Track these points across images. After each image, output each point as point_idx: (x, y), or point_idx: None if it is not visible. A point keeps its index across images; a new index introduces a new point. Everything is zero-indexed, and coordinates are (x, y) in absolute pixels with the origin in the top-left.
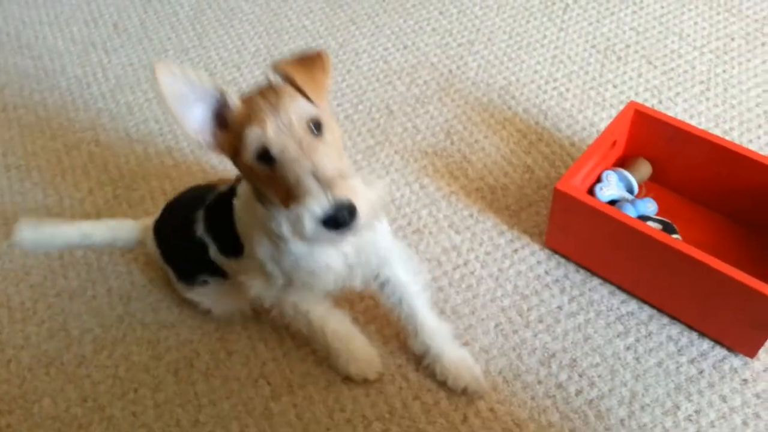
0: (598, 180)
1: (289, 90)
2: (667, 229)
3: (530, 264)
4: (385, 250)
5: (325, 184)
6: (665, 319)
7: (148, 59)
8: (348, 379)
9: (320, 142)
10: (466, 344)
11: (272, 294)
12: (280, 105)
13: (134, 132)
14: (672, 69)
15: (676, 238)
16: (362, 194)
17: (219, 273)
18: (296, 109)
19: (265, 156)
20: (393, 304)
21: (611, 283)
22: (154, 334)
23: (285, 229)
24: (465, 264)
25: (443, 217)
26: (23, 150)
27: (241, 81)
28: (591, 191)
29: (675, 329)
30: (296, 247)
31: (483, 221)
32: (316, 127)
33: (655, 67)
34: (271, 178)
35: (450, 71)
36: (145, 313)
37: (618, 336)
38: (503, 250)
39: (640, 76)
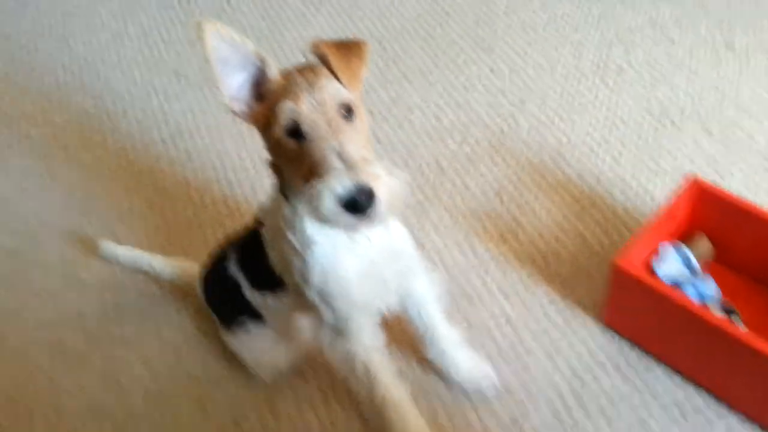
0: (656, 254)
1: (325, 71)
2: (729, 314)
3: (583, 338)
4: (413, 259)
5: (349, 165)
6: (724, 408)
7: (208, 106)
8: None
9: (350, 126)
10: (515, 421)
11: (325, 335)
12: (316, 83)
13: (192, 178)
14: (729, 138)
15: (738, 324)
16: (385, 182)
17: (258, 316)
18: (331, 90)
19: (295, 131)
20: (412, 315)
21: (669, 365)
22: (204, 390)
23: (303, 207)
24: (515, 333)
25: (492, 281)
26: (83, 191)
27: None
28: (649, 266)
29: (734, 420)
30: (320, 252)
31: (534, 289)
32: (348, 111)
33: (712, 135)
34: (297, 155)
35: (501, 130)
36: (195, 366)
37: (675, 422)
38: (555, 322)
39: (696, 144)
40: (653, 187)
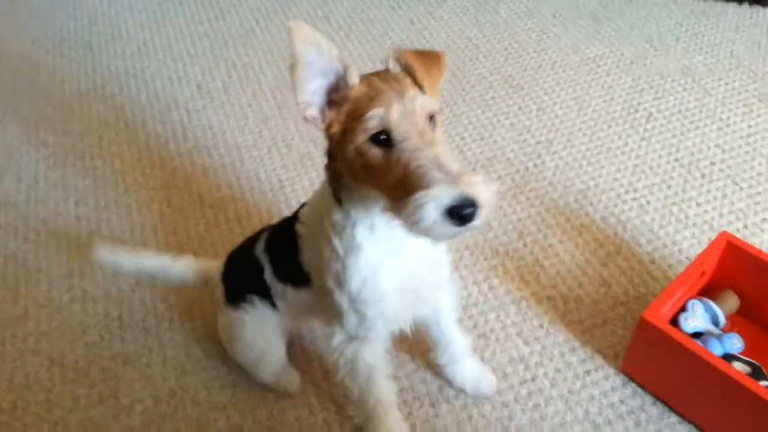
0: (683, 309)
1: (409, 80)
2: (756, 373)
3: (604, 389)
4: (448, 271)
5: (450, 176)
6: None
7: (228, 124)
8: None
9: (437, 136)
10: None
11: (340, 339)
12: (405, 92)
13: (207, 196)
14: (759, 193)
15: (765, 385)
16: (485, 192)
17: (268, 298)
18: (419, 100)
19: (382, 140)
20: (430, 323)
21: (690, 421)
22: (205, 415)
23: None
24: (533, 380)
25: (511, 323)
26: (95, 201)
27: (316, 155)
28: (675, 320)
29: None
30: (364, 260)
31: (554, 334)
32: (432, 122)
33: (741, 189)
34: (381, 164)
35: (526, 168)
36: (197, 389)
37: None
38: (575, 370)
39: (725, 196)
40: (681, 238)
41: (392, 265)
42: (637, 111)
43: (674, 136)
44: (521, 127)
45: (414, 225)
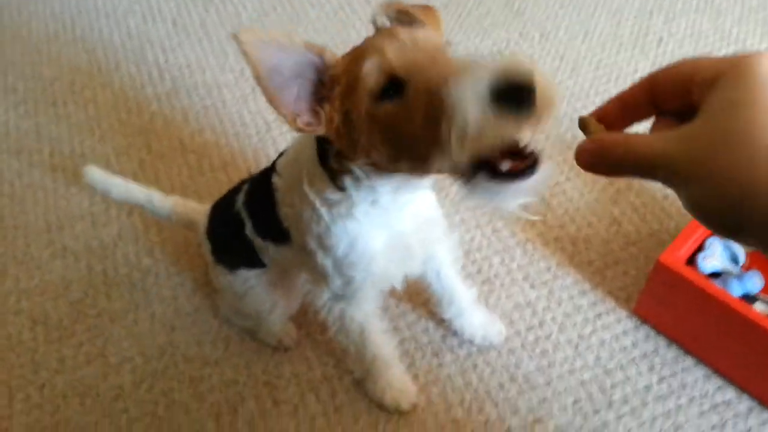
0: (700, 248)
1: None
2: None
3: (615, 333)
4: (440, 227)
5: (480, 63)
6: (767, 414)
7: (207, 62)
8: (381, 407)
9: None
10: (539, 421)
11: (326, 298)
12: (397, 32)
13: (189, 141)
14: None
15: None
16: (534, 66)
17: (254, 255)
18: (419, 33)
19: (390, 90)
20: (430, 277)
21: (707, 365)
22: (197, 371)
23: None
24: (540, 325)
25: (517, 267)
26: (70, 150)
27: None
28: (691, 260)
29: None
30: (352, 225)
31: (562, 277)
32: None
33: None
34: (402, 118)
35: None
36: (188, 345)
37: (713, 428)
38: (585, 314)
39: None
40: None
41: (383, 228)
42: (647, 35)
43: None
44: (523, 55)
45: (461, 139)
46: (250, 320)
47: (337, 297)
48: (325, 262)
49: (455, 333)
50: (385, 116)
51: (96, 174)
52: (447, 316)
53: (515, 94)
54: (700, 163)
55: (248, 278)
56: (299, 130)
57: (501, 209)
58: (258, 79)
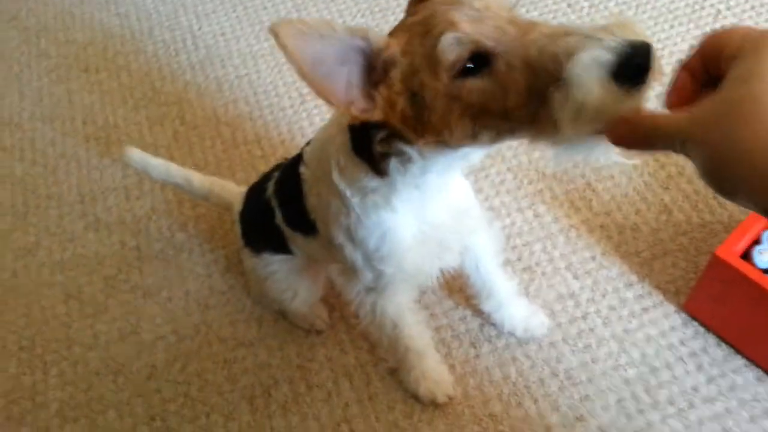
0: (757, 241)
1: None
2: None
3: (662, 329)
4: (477, 218)
5: (587, 32)
6: None
7: (242, 30)
8: (415, 398)
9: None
10: (580, 419)
11: (358, 290)
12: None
13: (222, 113)
14: None
15: None
16: (643, 30)
17: (283, 242)
18: None
19: (473, 67)
20: (469, 269)
21: (759, 366)
22: (231, 352)
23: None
24: (583, 318)
25: (560, 255)
26: (104, 120)
27: None
28: (747, 254)
29: None
30: (386, 216)
31: (608, 267)
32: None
33: None
34: (492, 91)
35: None
36: (222, 324)
37: None
38: (630, 307)
39: None
40: None
41: (417, 219)
42: (703, 8)
43: None
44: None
45: (577, 117)
46: (277, 304)
47: (369, 290)
48: (355, 255)
49: (494, 324)
50: (471, 93)
51: (137, 155)
52: (486, 308)
53: (637, 70)
54: (710, 129)
55: (271, 263)
56: (355, 118)
57: (599, 161)
58: (301, 73)
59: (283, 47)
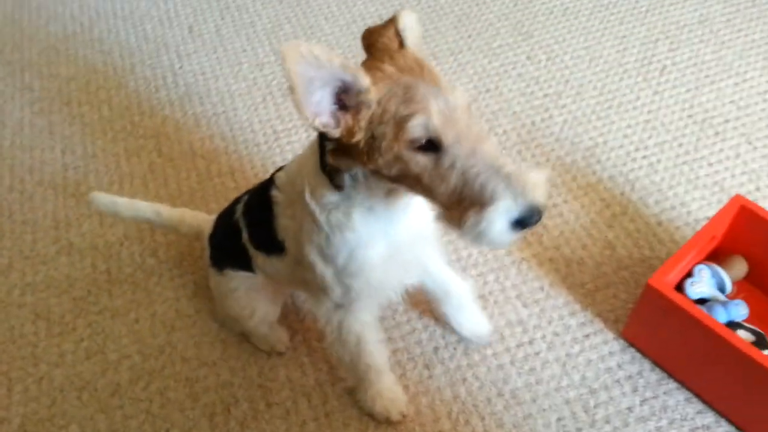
0: (689, 274)
1: (434, 68)
2: (760, 341)
3: (602, 354)
4: (434, 241)
5: (509, 181)
6: None
7: (221, 69)
8: (371, 416)
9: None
10: None
11: (326, 307)
12: (439, 85)
13: (199, 146)
14: None
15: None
16: (544, 189)
17: (248, 262)
18: (458, 93)
19: (427, 146)
20: (426, 285)
21: (690, 389)
22: (194, 371)
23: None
24: (530, 343)
25: (511, 285)
26: (83, 150)
27: None
28: (680, 286)
29: None
30: (353, 237)
31: (554, 297)
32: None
33: (755, 148)
34: (430, 173)
35: (533, 123)
36: (187, 346)
37: None
38: (573, 334)
39: (737, 156)
40: (690, 199)
41: (380, 238)
42: (650, 63)
43: (688, 90)
44: (529, 78)
45: (477, 238)
46: (239, 325)
47: (337, 306)
48: (326, 272)
49: (446, 346)
50: (415, 164)
51: (102, 198)
52: (445, 310)
53: (529, 224)
54: None
55: (233, 278)
56: (315, 128)
57: (495, 244)
58: (293, 91)
59: (286, 70)
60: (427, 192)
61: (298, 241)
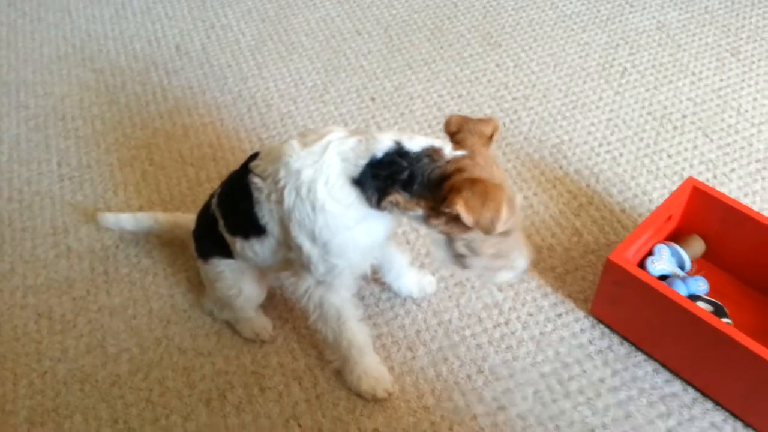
0: (650, 253)
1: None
2: (718, 311)
3: (573, 331)
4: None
5: (523, 253)
6: (709, 404)
7: (208, 84)
8: (359, 395)
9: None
10: (502, 408)
11: (307, 284)
12: (512, 197)
13: (188, 155)
14: (728, 144)
15: (727, 322)
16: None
17: (227, 249)
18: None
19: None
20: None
21: (656, 360)
22: (190, 361)
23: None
24: (506, 323)
25: None
26: (78, 161)
27: (296, 114)
28: (642, 264)
29: (719, 416)
30: (347, 228)
31: (527, 281)
32: None
33: (712, 140)
34: (484, 241)
35: (503, 124)
36: (183, 338)
37: (660, 417)
38: (546, 313)
39: (695, 148)
40: (651, 188)
41: (370, 229)
42: (612, 66)
43: (648, 90)
44: (498, 83)
45: (489, 279)
46: (227, 311)
47: (318, 283)
48: (312, 251)
49: (427, 329)
50: (479, 238)
51: (109, 217)
52: (388, 279)
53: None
54: None
55: (218, 265)
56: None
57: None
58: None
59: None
60: (471, 250)
61: (285, 225)
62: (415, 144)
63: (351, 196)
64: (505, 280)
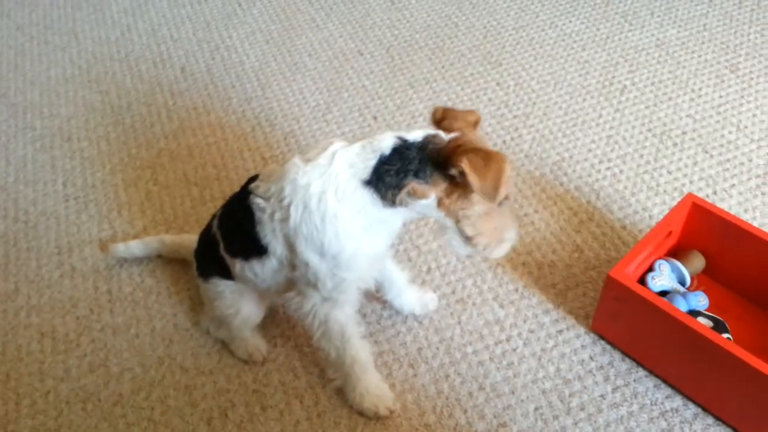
0: (650, 269)
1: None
2: (719, 327)
3: (575, 347)
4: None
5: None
6: (710, 419)
7: (212, 104)
8: (360, 413)
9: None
10: (503, 425)
11: (313, 302)
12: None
13: (192, 175)
14: (728, 160)
15: (727, 338)
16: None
17: (227, 271)
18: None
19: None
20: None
21: (657, 375)
22: (192, 380)
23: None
24: (507, 340)
25: (488, 288)
26: (83, 182)
27: (299, 134)
28: (642, 280)
29: (720, 431)
30: (355, 239)
31: (528, 297)
32: None
33: (711, 156)
34: (485, 216)
35: (504, 142)
36: (185, 357)
37: None
38: (547, 330)
39: (695, 164)
40: (651, 204)
41: (376, 237)
42: (611, 84)
43: (647, 107)
44: (499, 102)
45: (491, 254)
46: (223, 330)
47: (324, 300)
48: (320, 266)
49: (429, 346)
50: (485, 209)
51: (120, 247)
52: (389, 297)
53: None
54: None
55: (218, 285)
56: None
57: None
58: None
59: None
60: (473, 227)
61: (289, 242)
62: (415, 135)
63: (363, 199)
64: (505, 253)
